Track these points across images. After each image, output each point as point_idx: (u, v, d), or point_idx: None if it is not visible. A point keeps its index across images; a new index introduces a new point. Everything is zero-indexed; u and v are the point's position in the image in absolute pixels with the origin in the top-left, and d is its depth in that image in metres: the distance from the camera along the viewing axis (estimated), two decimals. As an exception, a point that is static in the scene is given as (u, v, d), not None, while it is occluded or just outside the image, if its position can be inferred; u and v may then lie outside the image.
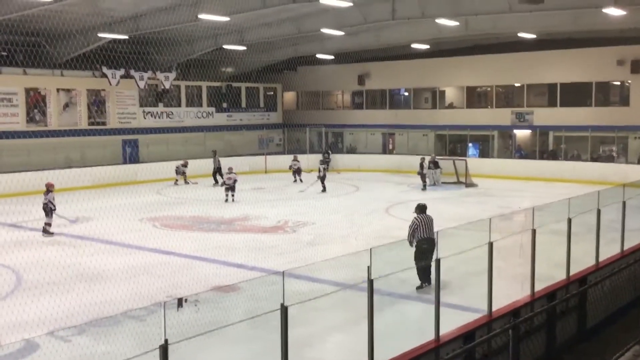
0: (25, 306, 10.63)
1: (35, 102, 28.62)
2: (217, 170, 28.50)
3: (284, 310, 5.86)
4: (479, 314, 9.01)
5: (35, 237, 16.87)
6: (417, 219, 11.78)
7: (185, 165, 28.67)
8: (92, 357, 8.08)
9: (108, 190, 25.40)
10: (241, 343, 8.49)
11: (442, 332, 7.98)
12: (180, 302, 4.89)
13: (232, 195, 23.00)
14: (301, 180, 28.36)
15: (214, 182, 28.25)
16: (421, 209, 12.05)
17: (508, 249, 10.54)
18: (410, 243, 11.57)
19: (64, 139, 28.84)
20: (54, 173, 25.50)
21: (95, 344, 8.71)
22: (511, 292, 9.82)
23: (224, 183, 23.23)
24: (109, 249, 15.53)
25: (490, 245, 8.87)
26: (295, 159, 29.34)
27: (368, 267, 6.86)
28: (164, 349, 4.83)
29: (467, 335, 8.21)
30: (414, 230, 11.64)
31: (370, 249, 6.95)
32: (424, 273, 11.06)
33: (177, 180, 28.31)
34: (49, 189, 17.45)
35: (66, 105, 29.71)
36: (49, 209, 17.18)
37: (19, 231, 17.56)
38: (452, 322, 8.51)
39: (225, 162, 30.79)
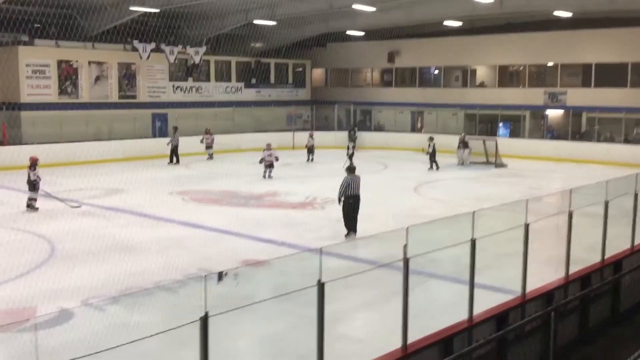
0: (59, 275, 10.82)
1: (67, 75, 28.90)
2: (175, 149, 27.21)
3: (321, 286, 5.86)
4: (511, 296, 8.93)
5: (67, 208, 17.12)
6: (348, 179, 13.99)
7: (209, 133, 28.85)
8: (126, 327, 8.18)
9: (137, 164, 25.62)
10: (271, 317, 8.54)
11: (474, 312, 7.92)
12: (220, 276, 4.92)
13: (270, 172, 22.89)
14: (312, 160, 28.26)
15: (169, 160, 27.04)
16: (352, 170, 14.42)
17: (541, 231, 10.40)
18: (339, 199, 13.98)
19: (95, 112, 29.14)
20: (85, 145, 25.89)
21: (128, 314, 8.83)
22: (545, 274, 9.70)
23: (263, 160, 23.16)
24: (140, 221, 15.71)
25: (527, 226, 8.76)
26: (310, 136, 29.07)
27: (404, 245, 6.81)
28: (204, 321, 4.86)
29: (500, 316, 8.14)
30: (345, 188, 13.83)
31: (407, 228, 6.90)
32: (353, 223, 13.81)
33: (211, 155, 28.53)
34: (35, 163, 17.19)
35: (97, 78, 29.97)
36: (37, 184, 16.94)
37: (51, 202, 17.81)
38: (484, 303, 8.44)
39: (253, 138, 30.93)
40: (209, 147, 28.65)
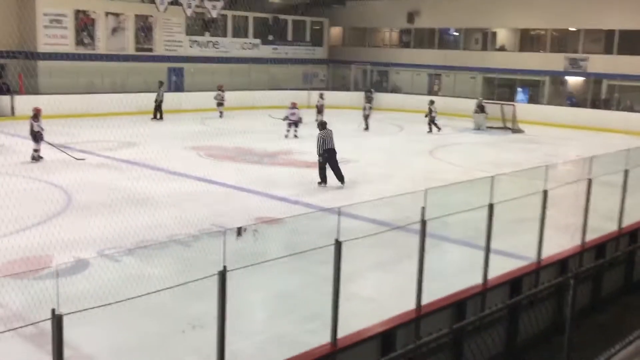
0: (75, 225, 10.91)
1: (84, 25, 28.70)
2: (160, 104, 26.45)
3: (338, 245, 5.85)
4: (525, 262, 8.91)
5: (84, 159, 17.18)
6: (322, 134, 15.27)
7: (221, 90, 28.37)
8: (141, 278, 8.26)
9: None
10: (284, 274, 8.58)
11: (488, 277, 7.91)
12: (239, 231, 4.92)
13: (295, 131, 22.66)
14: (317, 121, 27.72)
15: (152, 116, 26.31)
16: (323, 125, 15.71)
17: (558, 199, 10.32)
18: (319, 154, 15.22)
19: (111, 64, 28.98)
20: (100, 97, 25.85)
21: (143, 266, 8.90)
22: (560, 241, 9.66)
23: (286, 118, 22.94)
24: (154, 174, 15.74)
25: (545, 193, 8.68)
26: (321, 96, 28.22)
27: (422, 207, 6.76)
28: (222, 276, 4.87)
29: (514, 281, 8.13)
30: (322, 143, 15.11)
31: (426, 190, 6.85)
32: (338, 174, 15.20)
33: (221, 112, 28.18)
34: (38, 114, 17.03)
35: (114, 30, 29.74)
36: (40, 135, 16.84)
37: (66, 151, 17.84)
38: (498, 268, 8.43)
39: (267, 95, 30.73)
40: (220, 104, 28.27)
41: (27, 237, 10.23)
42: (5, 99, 24.64)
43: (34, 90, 26.43)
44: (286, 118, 22.89)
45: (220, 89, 28.41)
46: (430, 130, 25.63)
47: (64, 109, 25.13)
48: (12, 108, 25.12)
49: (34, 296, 7.11)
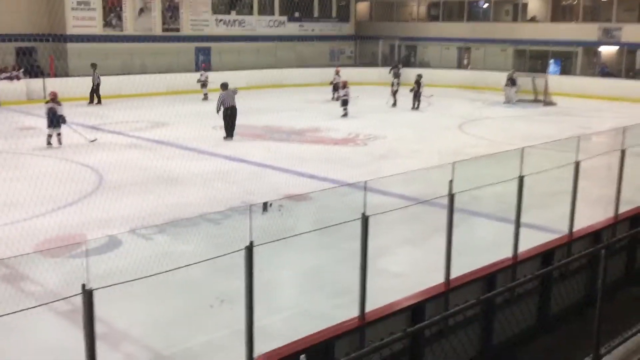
0: (108, 204, 11.07)
1: (112, 7, 28.87)
2: (97, 88, 24.91)
3: (365, 219, 5.84)
4: (556, 235, 8.78)
5: (114, 139, 17.40)
6: (223, 94, 17.82)
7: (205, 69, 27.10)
8: (172, 255, 8.38)
9: (181, 97, 25.68)
10: (312, 250, 8.61)
11: (519, 250, 7.82)
12: (265, 206, 4.93)
13: (346, 110, 22.47)
14: (337, 99, 25.98)
15: (89, 101, 24.71)
16: (225, 86, 18.14)
17: (591, 170, 10.14)
18: (217, 110, 17.79)
19: (139, 45, 29.19)
20: (129, 78, 26.06)
21: (174, 243, 9.03)
22: (593, 213, 9.51)
23: (339, 97, 22.78)
24: (184, 154, 15.87)
25: (577, 164, 8.52)
26: (336, 73, 27.56)
27: (450, 181, 6.70)
28: (249, 250, 4.91)
29: (545, 254, 8.03)
30: (222, 101, 17.63)
31: (454, 163, 6.78)
32: (231, 129, 17.75)
33: (206, 94, 26.33)
34: (55, 98, 16.54)
35: (141, 11, 29.87)
36: (64, 119, 16.39)
37: (98, 133, 18.10)
38: (530, 242, 8.33)
39: (294, 73, 30.58)
40: (203, 85, 26.66)
41: (61, 216, 10.43)
42: (38, 81, 25.00)
43: (64, 73, 26.78)
44: (339, 97, 22.85)
45: (203, 68, 27.23)
46: (414, 106, 24.66)
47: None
48: (45, 90, 25.46)
49: (68, 274, 7.27)
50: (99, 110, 19.58)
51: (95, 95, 24.88)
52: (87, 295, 4.16)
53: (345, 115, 22.27)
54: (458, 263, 7.25)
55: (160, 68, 29.02)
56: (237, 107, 17.87)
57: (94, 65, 24.94)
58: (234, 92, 18.40)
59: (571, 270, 7.74)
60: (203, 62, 27.74)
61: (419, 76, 25.33)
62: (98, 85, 24.83)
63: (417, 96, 24.78)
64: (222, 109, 17.79)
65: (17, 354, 6.27)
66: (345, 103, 22.47)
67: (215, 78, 29.22)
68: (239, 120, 18.00)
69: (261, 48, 33.52)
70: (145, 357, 6.42)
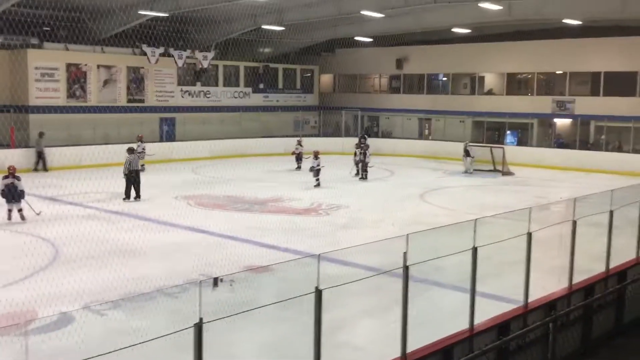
0: (62, 279, 10.79)
1: (76, 78, 29.03)
2: (40, 155, 24.99)
3: (318, 294, 5.81)
4: (513, 305, 8.84)
5: (73, 211, 17.14)
6: (129, 158, 19.12)
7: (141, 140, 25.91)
8: (126, 332, 8.16)
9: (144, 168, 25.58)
10: (272, 324, 8.48)
11: (476, 321, 7.84)
12: (215, 282, 4.87)
13: (318, 180, 22.50)
14: (300, 168, 26.68)
15: (34, 168, 24.69)
16: (132, 151, 19.66)
17: (545, 240, 10.32)
18: (124, 174, 18.99)
19: (103, 115, 29.26)
20: (92, 148, 25.93)
21: (129, 319, 8.81)
22: (547, 283, 9.61)
23: (312, 168, 22.82)
24: (144, 225, 15.70)
25: (529, 235, 8.68)
26: (298, 143, 27.81)
27: (404, 253, 6.76)
28: (198, 328, 4.82)
29: (501, 326, 8.06)
30: (129, 165, 18.96)
31: (407, 235, 6.85)
32: (130, 192, 18.97)
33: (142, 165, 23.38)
34: (15, 172, 15.94)
35: (106, 82, 30.09)
36: (23, 194, 15.85)
37: (56, 205, 17.84)
38: (486, 312, 8.37)
39: (259, 143, 30.82)
40: (318, 172, 23.97)
41: (13, 291, 10.13)
42: (-3, 152, 24.65)
43: (25, 144, 26.56)
44: (312, 168, 22.93)
45: (140, 139, 26.02)
46: (358, 174, 24.68)
47: (56, 161, 25.30)
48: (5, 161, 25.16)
49: (17, 353, 7.00)
50: (58, 181, 19.37)
51: (40, 159, 25.02)
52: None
53: (317, 185, 22.42)
54: (419, 334, 7.22)
55: (124, 138, 28.98)
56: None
57: (40, 134, 25.30)
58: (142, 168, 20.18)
59: (527, 342, 7.76)
60: (139, 134, 26.92)
61: (365, 145, 24.95)
62: (41, 152, 25.02)
63: (363, 166, 24.68)
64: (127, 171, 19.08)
65: None
66: (317, 173, 22.67)
67: (180, 147, 29.45)
68: (202, 190, 18.01)
69: (226, 118, 33.90)
70: None
